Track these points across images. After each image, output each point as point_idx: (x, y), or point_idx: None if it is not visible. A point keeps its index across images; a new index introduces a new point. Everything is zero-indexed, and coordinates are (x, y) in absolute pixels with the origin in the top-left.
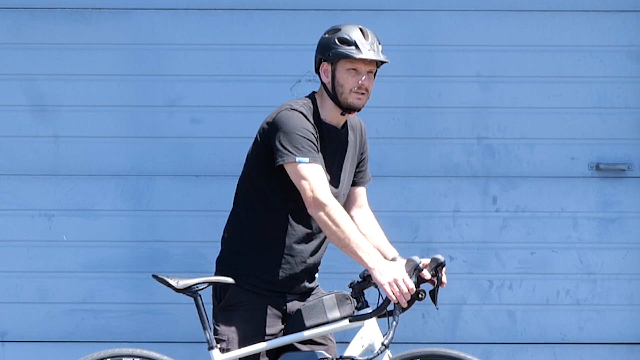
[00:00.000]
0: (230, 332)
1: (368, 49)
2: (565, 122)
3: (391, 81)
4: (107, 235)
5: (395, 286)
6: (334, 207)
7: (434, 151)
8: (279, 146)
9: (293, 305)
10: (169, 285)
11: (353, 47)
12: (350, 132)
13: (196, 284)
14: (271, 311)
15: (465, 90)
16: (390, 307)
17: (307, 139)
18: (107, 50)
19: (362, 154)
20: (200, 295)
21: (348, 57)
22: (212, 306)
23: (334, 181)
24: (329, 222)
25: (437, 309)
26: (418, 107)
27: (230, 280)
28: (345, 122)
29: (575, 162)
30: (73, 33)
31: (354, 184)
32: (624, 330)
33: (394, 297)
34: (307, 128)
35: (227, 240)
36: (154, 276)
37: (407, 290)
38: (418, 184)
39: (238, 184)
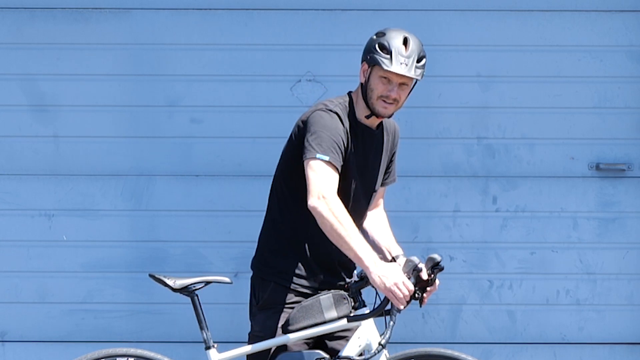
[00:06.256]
0: (268, 331)
1: (400, 62)
2: (565, 122)
3: None
4: (107, 235)
5: (396, 290)
6: (337, 204)
7: (434, 151)
8: (306, 143)
9: None
10: (166, 285)
11: (388, 57)
12: (384, 133)
13: (193, 283)
14: None
15: (465, 90)
16: (387, 307)
17: (333, 140)
18: (107, 50)
19: (392, 155)
20: (197, 295)
21: (380, 66)
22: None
23: (363, 180)
24: (331, 216)
25: (420, 307)
26: (418, 107)
27: (227, 279)
28: (381, 123)
29: (575, 162)
30: (73, 33)
31: (381, 184)
32: (624, 330)
33: (396, 302)
34: (336, 129)
35: (263, 239)
36: (151, 275)
37: (407, 293)
38: (418, 184)
39: (272, 183)
